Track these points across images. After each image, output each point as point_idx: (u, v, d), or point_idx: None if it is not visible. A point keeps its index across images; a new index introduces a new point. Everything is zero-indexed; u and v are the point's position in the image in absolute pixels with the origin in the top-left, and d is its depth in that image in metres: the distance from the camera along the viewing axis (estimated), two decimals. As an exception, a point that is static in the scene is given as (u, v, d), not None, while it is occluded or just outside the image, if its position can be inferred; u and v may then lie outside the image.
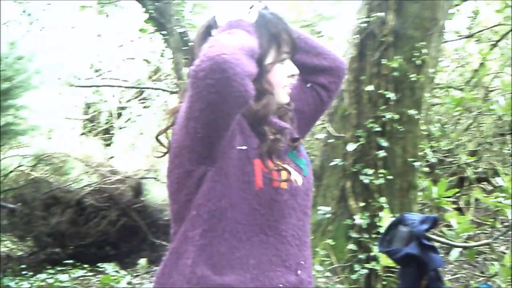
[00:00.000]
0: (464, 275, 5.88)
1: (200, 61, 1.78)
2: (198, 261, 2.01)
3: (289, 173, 2.07)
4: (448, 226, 4.05)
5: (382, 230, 3.50)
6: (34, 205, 7.74)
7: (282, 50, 2.10)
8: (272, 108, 2.08)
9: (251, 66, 1.85)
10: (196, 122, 1.92)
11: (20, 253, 8.28)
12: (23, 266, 7.15)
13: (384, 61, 5.48)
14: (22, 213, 7.79)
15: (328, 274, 5.28)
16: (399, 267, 2.62)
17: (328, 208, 5.39)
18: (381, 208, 5.23)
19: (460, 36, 7.51)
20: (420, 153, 5.74)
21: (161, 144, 2.17)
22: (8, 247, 8.38)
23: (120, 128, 11.31)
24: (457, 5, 7.18)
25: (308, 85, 2.32)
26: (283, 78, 2.13)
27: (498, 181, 4.62)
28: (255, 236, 2.04)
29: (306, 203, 2.17)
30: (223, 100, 1.81)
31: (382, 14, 5.51)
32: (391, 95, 5.45)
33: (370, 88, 5.47)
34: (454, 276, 5.88)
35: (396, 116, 5.44)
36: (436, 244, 3.07)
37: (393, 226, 2.65)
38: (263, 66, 2.04)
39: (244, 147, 2.02)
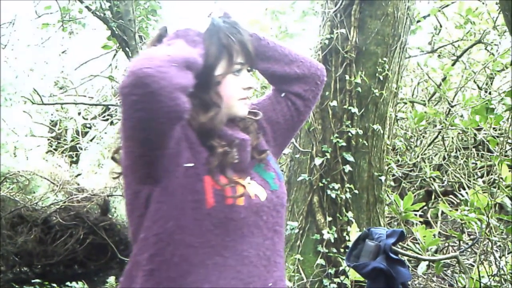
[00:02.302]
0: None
1: (125, 76, 1.68)
2: (146, 287, 1.90)
3: (245, 188, 1.95)
4: (416, 239, 4.10)
5: (350, 244, 3.54)
6: (0, 224, 7.65)
7: (234, 61, 1.98)
8: (219, 121, 1.97)
9: (183, 78, 1.74)
10: (131, 141, 1.83)
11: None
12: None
13: (347, 77, 5.53)
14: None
15: (296, 289, 5.29)
16: (367, 281, 2.64)
17: (296, 223, 5.43)
18: (348, 223, 5.28)
19: (423, 51, 7.60)
20: (386, 167, 5.80)
21: (118, 163, 2.04)
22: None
23: (85, 149, 11.21)
24: (418, 21, 7.28)
25: (282, 94, 2.21)
26: (238, 90, 2.02)
27: (463, 194, 4.68)
28: (210, 259, 1.89)
29: (275, 220, 2.04)
30: (150, 116, 1.71)
31: (344, 30, 5.57)
32: (355, 110, 5.50)
33: (334, 103, 5.52)
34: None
35: (361, 131, 5.49)
36: (404, 258, 3.12)
37: (360, 241, 2.68)
38: (212, 77, 1.95)
39: (191, 164, 1.89)
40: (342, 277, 5.18)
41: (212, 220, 1.88)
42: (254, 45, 2.07)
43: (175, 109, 1.72)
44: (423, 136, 7.49)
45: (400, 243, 4.51)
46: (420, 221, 5.05)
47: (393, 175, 6.52)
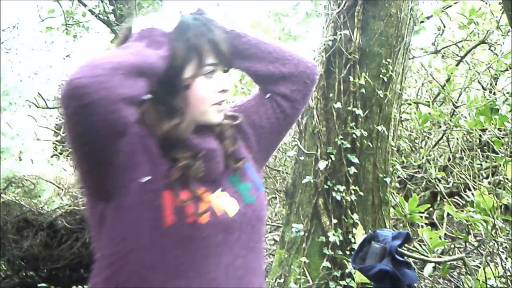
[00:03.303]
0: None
1: (64, 86, 1.55)
2: None
3: (210, 203, 1.79)
4: (422, 241, 4.09)
5: (356, 246, 3.53)
6: (5, 229, 7.66)
7: (204, 62, 1.81)
8: (184, 129, 1.81)
9: (129, 87, 1.59)
10: (75, 154, 1.70)
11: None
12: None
13: (351, 78, 5.53)
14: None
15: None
16: (373, 283, 2.64)
17: (301, 226, 5.42)
18: (354, 225, 5.27)
19: (426, 52, 7.59)
20: (391, 169, 5.80)
21: None
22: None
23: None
24: (422, 22, 7.27)
25: (267, 95, 2.03)
26: (210, 94, 1.85)
27: (469, 195, 4.68)
28: (170, 282, 1.74)
29: (250, 236, 1.88)
30: (87, 130, 1.59)
31: (347, 31, 5.57)
32: (360, 112, 5.50)
33: (339, 105, 5.51)
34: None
35: (365, 133, 5.49)
36: (410, 260, 3.11)
37: (366, 243, 2.67)
38: (178, 81, 1.80)
39: (148, 178, 1.73)
40: (348, 280, 5.17)
41: (172, 239, 1.73)
42: (234, 42, 1.93)
43: (115, 123, 1.59)
44: (428, 137, 7.47)
45: (406, 245, 4.50)
46: (425, 223, 5.04)
47: (398, 176, 6.50)
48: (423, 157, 6.87)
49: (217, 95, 1.86)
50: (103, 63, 1.57)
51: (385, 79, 5.57)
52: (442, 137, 7.11)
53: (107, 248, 1.78)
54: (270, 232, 7.93)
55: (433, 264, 4.10)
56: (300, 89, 2.02)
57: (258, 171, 2.05)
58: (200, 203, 1.76)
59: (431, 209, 6.59)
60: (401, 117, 6.36)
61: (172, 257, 1.73)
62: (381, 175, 5.58)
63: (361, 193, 5.47)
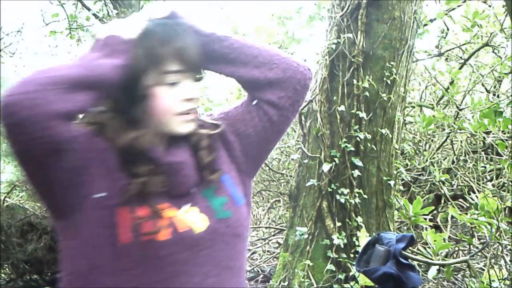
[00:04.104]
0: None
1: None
2: None
3: (172, 219, 1.68)
4: (426, 244, 4.09)
5: (360, 249, 3.53)
6: (9, 232, 7.66)
7: (165, 70, 1.70)
8: (144, 142, 1.70)
9: (67, 102, 1.51)
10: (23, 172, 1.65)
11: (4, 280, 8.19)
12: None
13: (355, 81, 5.53)
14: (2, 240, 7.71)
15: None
16: (377, 286, 2.64)
17: (305, 229, 5.42)
18: (358, 228, 5.27)
19: (430, 55, 7.59)
20: (395, 172, 5.79)
21: None
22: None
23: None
24: (425, 25, 7.27)
25: (254, 102, 1.87)
26: (175, 104, 1.72)
27: (473, 198, 4.67)
28: None
29: (224, 254, 1.75)
30: (22, 149, 1.54)
31: (351, 35, 5.57)
32: (363, 115, 5.50)
33: (342, 108, 5.51)
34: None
35: (369, 136, 5.49)
36: (414, 263, 3.11)
37: (370, 246, 2.67)
38: (136, 91, 1.69)
39: (102, 194, 1.64)
40: (352, 283, 5.17)
41: (131, 258, 1.64)
42: (213, 47, 1.80)
43: (49, 140, 1.51)
44: (432, 140, 7.47)
45: (410, 248, 4.50)
46: (429, 226, 5.04)
47: (402, 179, 6.51)
48: (427, 160, 6.88)
49: (183, 104, 1.73)
50: (40, 78, 1.51)
51: (389, 82, 5.57)
52: (446, 139, 7.11)
53: (67, 267, 1.72)
54: (273, 235, 7.94)
55: (437, 267, 4.09)
56: (289, 96, 1.85)
57: (243, 182, 1.91)
58: (159, 219, 1.66)
59: (435, 211, 6.59)
60: (405, 120, 6.36)
61: (133, 277, 1.65)
62: (385, 178, 5.58)
63: (365, 196, 5.47)
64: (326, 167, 5.41)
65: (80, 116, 1.66)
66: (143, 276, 1.64)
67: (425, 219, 4.63)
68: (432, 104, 7.35)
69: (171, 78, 1.71)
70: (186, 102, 1.73)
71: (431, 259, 4.17)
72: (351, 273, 5.21)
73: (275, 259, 7.05)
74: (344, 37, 5.56)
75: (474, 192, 6.05)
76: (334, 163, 5.45)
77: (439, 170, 6.76)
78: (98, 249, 1.64)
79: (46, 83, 1.49)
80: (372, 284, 3.11)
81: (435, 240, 4.00)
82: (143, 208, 1.65)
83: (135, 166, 1.68)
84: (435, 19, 7.41)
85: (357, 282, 4.95)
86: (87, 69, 1.58)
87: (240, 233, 1.81)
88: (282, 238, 6.61)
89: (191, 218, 1.71)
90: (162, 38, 1.70)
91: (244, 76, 1.85)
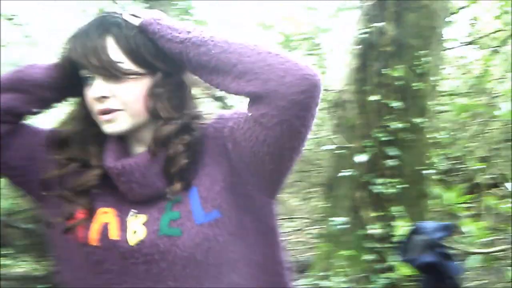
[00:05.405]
0: (480, 282, 5.88)
1: None
2: None
3: (104, 225, 1.64)
4: (463, 233, 4.06)
5: (396, 239, 3.51)
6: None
7: (82, 70, 1.64)
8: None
9: None
10: None
11: (36, 273, 8.24)
12: (40, 286, 7.12)
13: (386, 71, 5.50)
14: (37, 233, 7.77)
15: (344, 286, 5.27)
16: (419, 275, 2.63)
17: (341, 219, 5.40)
18: (394, 217, 5.24)
19: (461, 43, 7.53)
20: (429, 161, 5.75)
21: None
22: (24, 267, 8.36)
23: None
24: (454, 13, 7.21)
25: (249, 114, 1.56)
26: (91, 103, 1.65)
27: (507, 186, 4.64)
28: None
29: (167, 274, 1.60)
30: None
31: (381, 24, 5.53)
32: (396, 104, 5.46)
33: (375, 98, 5.48)
34: (472, 283, 5.87)
35: (403, 125, 5.45)
36: (453, 252, 3.09)
37: (409, 235, 2.66)
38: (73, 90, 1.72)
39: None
40: (389, 272, 5.15)
41: (81, 258, 1.66)
42: (189, 55, 1.57)
43: None
44: (466, 129, 7.42)
45: (448, 237, 4.47)
46: (466, 215, 4.99)
47: (437, 168, 6.46)
48: (461, 149, 6.83)
49: (95, 103, 1.64)
50: None
51: (420, 71, 5.53)
52: (479, 128, 7.05)
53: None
54: (308, 226, 7.94)
55: (476, 256, 4.07)
56: (273, 114, 1.49)
57: (236, 200, 1.66)
58: (91, 223, 1.63)
59: (471, 200, 6.55)
60: (437, 109, 6.32)
61: (84, 276, 1.67)
62: (420, 167, 5.54)
63: (401, 186, 5.43)
64: (360, 157, 5.38)
65: (6, 114, 1.71)
66: (89, 279, 1.66)
67: (462, 208, 4.60)
68: (465, 93, 7.29)
69: (85, 78, 1.64)
70: (97, 102, 1.62)
71: (469, 248, 4.15)
72: (388, 263, 5.19)
73: (310, 249, 7.05)
74: (374, 27, 5.53)
75: (508, 181, 6.00)
76: (368, 153, 5.42)
77: (473, 159, 6.71)
78: (53, 240, 1.74)
79: None
80: (410, 273, 3.10)
81: (472, 229, 3.97)
82: (83, 209, 1.66)
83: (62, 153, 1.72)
84: (465, 6, 7.34)
85: (395, 271, 4.93)
86: (19, 71, 1.70)
87: (192, 255, 1.59)
88: (317, 228, 6.61)
89: (132, 227, 1.62)
90: (74, 40, 1.64)
91: (229, 88, 1.57)
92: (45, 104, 1.75)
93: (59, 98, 1.76)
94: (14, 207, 7.77)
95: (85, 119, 1.70)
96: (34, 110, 1.74)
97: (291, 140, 1.56)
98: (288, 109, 1.47)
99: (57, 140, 1.72)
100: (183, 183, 1.63)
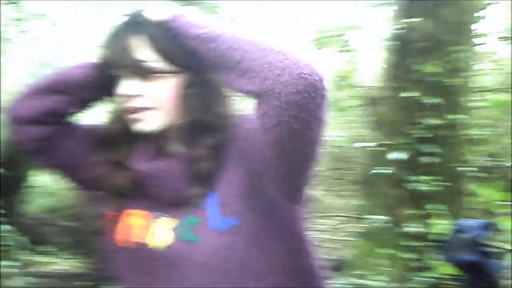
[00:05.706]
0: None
1: None
2: None
3: (131, 227, 1.65)
4: (500, 231, 4.04)
5: (435, 237, 3.52)
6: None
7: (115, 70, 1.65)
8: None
9: (29, 108, 1.69)
10: None
11: (76, 270, 8.31)
12: (80, 283, 7.19)
13: (420, 67, 5.48)
14: (77, 231, 7.83)
15: (384, 284, 5.26)
16: (459, 274, 2.65)
17: (380, 217, 5.39)
18: (432, 215, 5.22)
19: (498, 38, 7.47)
20: (467, 158, 5.72)
21: None
22: (64, 265, 8.43)
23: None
24: (483, 8, 7.15)
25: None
26: (123, 102, 1.66)
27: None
28: None
29: (189, 282, 1.56)
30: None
31: (415, 20, 5.51)
32: (432, 101, 5.44)
33: (409, 94, 5.47)
34: (509, 281, 5.84)
35: (439, 122, 5.43)
36: (494, 250, 3.10)
37: (450, 233, 2.68)
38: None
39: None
40: (428, 271, 5.13)
41: (122, 256, 1.68)
42: (202, 50, 1.53)
43: (22, 143, 1.73)
44: (502, 125, 7.36)
45: (489, 235, 4.46)
46: (504, 212, 4.97)
47: (474, 165, 6.41)
48: (498, 146, 6.78)
49: (126, 102, 1.64)
50: (31, 86, 1.74)
51: (455, 66, 5.51)
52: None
53: None
54: (344, 224, 7.93)
55: (514, 254, 4.05)
56: (271, 115, 1.41)
57: (255, 206, 1.59)
58: (116, 224, 1.67)
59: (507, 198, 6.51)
60: (473, 105, 6.28)
61: (128, 273, 1.68)
62: (457, 164, 5.52)
63: (438, 183, 5.41)
64: (396, 155, 5.37)
65: (51, 116, 1.74)
66: (133, 276, 1.67)
67: (500, 205, 4.58)
68: (500, 88, 7.24)
69: (119, 77, 1.64)
70: (128, 100, 1.62)
71: (507, 246, 4.14)
72: (425, 262, 5.17)
73: (346, 247, 7.05)
74: (408, 22, 5.52)
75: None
76: (404, 150, 5.41)
77: (510, 155, 6.66)
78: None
79: (25, 92, 1.73)
80: (450, 271, 3.11)
81: (510, 227, 3.96)
82: (114, 211, 1.69)
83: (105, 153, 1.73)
84: (492, 3, 7.28)
85: (433, 270, 4.92)
86: (59, 74, 1.74)
87: (209, 262, 1.55)
88: (352, 226, 6.61)
89: (158, 231, 1.61)
90: (108, 40, 1.65)
91: (235, 86, 1.52)
92: (85, 104, 1.78)
93: (98, 98, 1.78)
94: (55, 205, 7.87)
95: (120, 119, 1.70)
96: (76, 110, 1.78)
97: (293, 142, 1.45)
98: (284, 109, 1.38)
99: (95, 140, 1.75)
100: (205, 187, 1.59)
